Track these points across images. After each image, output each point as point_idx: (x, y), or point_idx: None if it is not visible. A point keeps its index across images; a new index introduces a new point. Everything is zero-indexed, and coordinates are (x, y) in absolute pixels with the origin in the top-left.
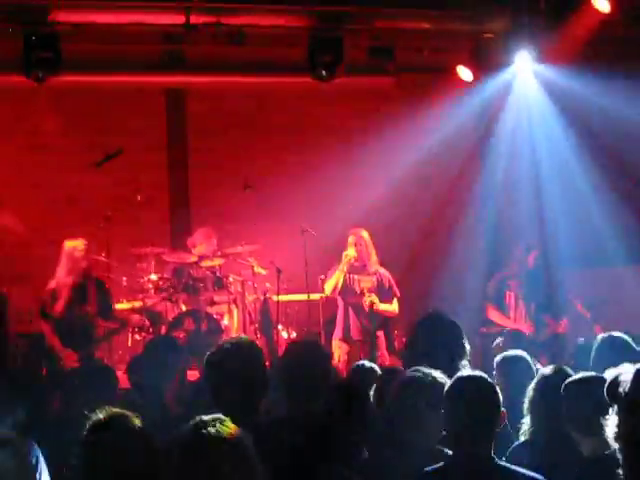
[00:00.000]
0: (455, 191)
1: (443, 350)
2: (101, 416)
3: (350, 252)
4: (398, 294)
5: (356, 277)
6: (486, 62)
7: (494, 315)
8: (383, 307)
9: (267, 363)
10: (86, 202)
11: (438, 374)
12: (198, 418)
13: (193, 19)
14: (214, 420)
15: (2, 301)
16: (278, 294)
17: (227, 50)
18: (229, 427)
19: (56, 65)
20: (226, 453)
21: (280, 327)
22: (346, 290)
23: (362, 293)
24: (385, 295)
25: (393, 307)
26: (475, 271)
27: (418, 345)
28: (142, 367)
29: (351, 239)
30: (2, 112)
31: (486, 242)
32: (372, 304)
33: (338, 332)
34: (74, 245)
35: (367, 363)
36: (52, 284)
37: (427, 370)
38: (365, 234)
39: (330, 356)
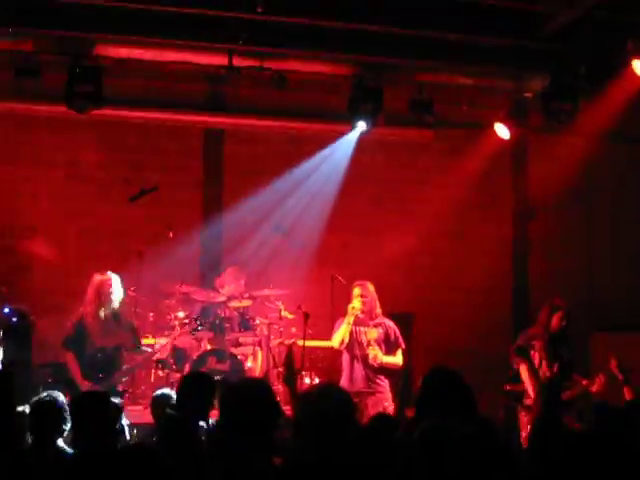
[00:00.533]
0: (487, 245)
1: (448, 402)
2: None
3: (356, 304)
4: (403, 346)
5: (362, 329)
6: (523, 120)
7: (524, 372)
8: (386, 360)
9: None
10: (119, 235)
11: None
12: None
13: (236, 61)
14: None
15: (29, 325)
16: (304, 339)
17: (268, 94)
18: None
19: (98, 98)
20: None
21: (303, 373)
22: (352, 342)
23: (368, 345)
24: (390, 347)
25: (397, 359)
26: (502, 327)
27: (426, 399)
28: (177, 401)
29: (357, 291)
30: (43, 142)
31: (513, 299)
32: (375, 357)
33: (344, 383)
34: (102, 278)
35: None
36: (77, 315)
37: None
38: (371, 286)
39: (349, 402)
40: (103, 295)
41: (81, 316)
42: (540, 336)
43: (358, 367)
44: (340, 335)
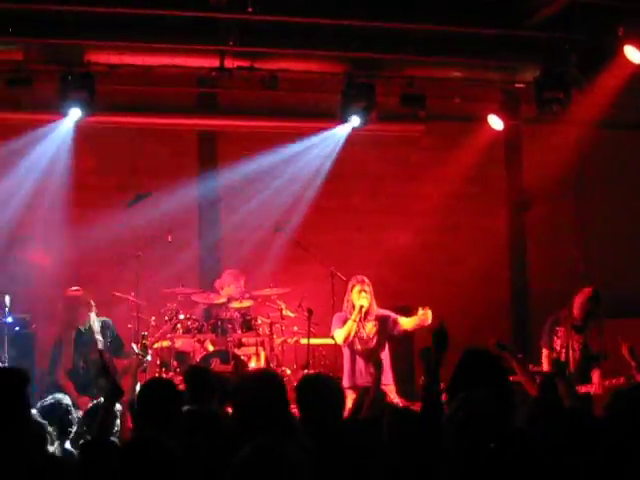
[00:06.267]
0: (483, 238)
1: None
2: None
3: (364, 302)
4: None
5: (362, 324)
6: (516, 111)
7: (545, 358)
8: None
9: None
10: (117, 241)
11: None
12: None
13: (227, 63)
14: None
15: (31, 334)
16: (309, 336)
17: (260, 94)
18: None
19: (91, 105)
20: None
21: (306, 371)
22: (352, 338)
23: (369, 339)
24: (389, 330)
25: (412, 319)
26: (500, 320)
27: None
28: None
29: (358, 287)
30: (37, 150)
31: (511, 290)
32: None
33: (346, 381)
34: (71, 294)
35: None
36: (57, 337)
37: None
38: (368, 281)
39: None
40: (74, 310)
41: (60, 336)
42: (563, 322)
43: (361, 363)
44: (345, 331)
